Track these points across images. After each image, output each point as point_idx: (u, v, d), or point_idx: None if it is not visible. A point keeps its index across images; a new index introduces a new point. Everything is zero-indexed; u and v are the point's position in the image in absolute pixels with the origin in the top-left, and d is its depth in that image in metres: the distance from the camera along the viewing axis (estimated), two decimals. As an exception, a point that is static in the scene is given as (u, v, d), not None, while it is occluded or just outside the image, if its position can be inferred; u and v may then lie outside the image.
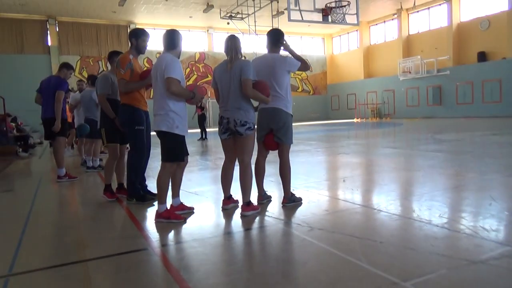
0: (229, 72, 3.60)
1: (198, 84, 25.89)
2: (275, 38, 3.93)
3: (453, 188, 4.52)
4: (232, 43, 3.60)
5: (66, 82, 6.28)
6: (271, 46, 3.95)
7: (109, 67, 5.10)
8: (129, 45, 4.34)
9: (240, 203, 3.81)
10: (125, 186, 4.73)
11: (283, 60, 3.84)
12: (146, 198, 4.38)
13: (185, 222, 3.56)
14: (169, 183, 3.67)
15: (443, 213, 3.45)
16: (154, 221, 3.61)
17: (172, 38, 3.62)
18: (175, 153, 3.62)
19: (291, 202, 3.98)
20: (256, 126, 3.79)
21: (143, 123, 4.30)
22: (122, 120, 4.37)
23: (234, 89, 3.60)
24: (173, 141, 3.58)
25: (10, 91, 18.30)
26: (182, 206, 3.83)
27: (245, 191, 3.72)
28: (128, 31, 25.40)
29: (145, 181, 4.70)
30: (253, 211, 3.72)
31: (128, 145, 4.71)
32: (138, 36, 4.24)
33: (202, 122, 14.27)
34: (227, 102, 3.66)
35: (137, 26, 25.16)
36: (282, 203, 4.00)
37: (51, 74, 6.33)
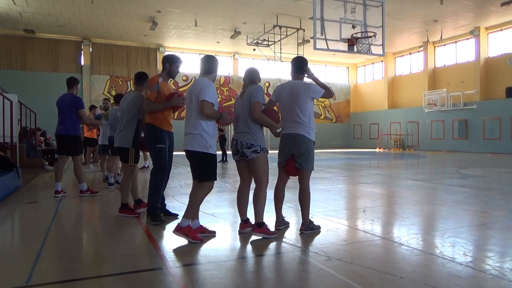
0: (242, 98, 3.81)
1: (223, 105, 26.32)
2: (299, 65, 4.03)
3: (479, 226, 4.35)
4: (249, 74, 3.86)
5: (81, 98, 6.54)
6: (295, 73, 4.05)
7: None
8: (162, 68, 4.51)
9: None
10: (143, 201, 4.90)
11: (307, 87, 3.90)
12: (157, 219, 4.35)
13: (201, 243, 3.56)
14: (201, 202, 3.74)
15: (468, 251, 3.31)
16: (172, 233, 3.63)
17: (209, 64, 3.79)
18: (210, 172, 3.69)
19: (309, 230, 3.92)
20: (266, 149, 3.83)
21: (164, 142, 4.39)
22: (148, 138, 4.48)
23: (243, 113, 3.76)
24: (207, 161, 3.65)
25: (42, 107, 19.03)
26: (202, 229, 3.83)
27: (257, 212, 3.76)
28: (158, 53, 26.34)
29: (164, 200, 4.75)
30: (264, 234, 3.71)
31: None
32: (172, 62, 4.43)
33: (222, 144, 14.45)
34: (237, 125, 3.83)
35: (166, 50, 26.17)
36: (300, 230, 3.95)
37: (65, 92, 6.49)
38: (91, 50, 25.10)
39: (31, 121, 14.66)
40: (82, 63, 25.00)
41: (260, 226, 3.73)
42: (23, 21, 20.86)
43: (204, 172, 3.68)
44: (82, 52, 24.97)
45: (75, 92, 6.50)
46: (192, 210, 3.66)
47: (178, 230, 3.60)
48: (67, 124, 6.27)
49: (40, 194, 7.06)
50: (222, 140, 14.49)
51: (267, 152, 3.85)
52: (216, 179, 3.77)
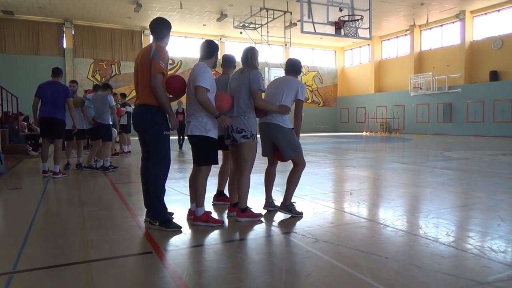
0: (239, 80, 3.76)
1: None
2: (294, 67, 4.11)
3: (461, 207, 4.46)
4: (251, 54, 3.77)
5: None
6: (288, 72, 4.12)
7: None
8: (159, 36, 3.56)
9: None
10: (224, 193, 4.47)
11: (296, 85, 3.95)
12: (171, 224, 3.54)
13: (223, 225, 3.63)
14: (206, 186, 3.72)
15: (450, 231, 3.40)
16: (192, 224, 3.65)
17: (208, 49, 3.69)
18: (209, 157, 3.67)
19: (286, 210, 3.95)
20: (256, 136, 3.82)
21: (169, 128, 3.68)
22: (150, 122, 3.55)
23: (237, 97, 3.74)
24: (206, 145, 3.63)
25: (24, 91, 18.50)
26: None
27: (239, 198, 3.79)
28: (143, 36, 25.77)
29: None
30: (248, 218, 3.76)
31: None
32: (170, 28, 3.64)
33: (181, 130, 12.45)
34: (231, 109, 3.79)
35: (151, 32, 25.62)
36: (279, 207, 4.02)
37: (51, 79, 6.91)
38: (73, 33, 24.43)
39: (12, 105, 14.30)
40: (65, 46, 24.35)
41: (244, 211, 3.77)
42: (1, 2, 20.12)
43: (202, 156, 3.66)
44: (64, 34, 24.30)
45: (60, 81, 6.91)
46: (200, 197, 3.66)
47: (196, 220, 3.63)
48: (59, 108, 6.62)
49: (25, 180, 6.96)
50: (181, 125, 12.12)
51: (256, 139, 3.85)
52: (216, 163, 3.74)
